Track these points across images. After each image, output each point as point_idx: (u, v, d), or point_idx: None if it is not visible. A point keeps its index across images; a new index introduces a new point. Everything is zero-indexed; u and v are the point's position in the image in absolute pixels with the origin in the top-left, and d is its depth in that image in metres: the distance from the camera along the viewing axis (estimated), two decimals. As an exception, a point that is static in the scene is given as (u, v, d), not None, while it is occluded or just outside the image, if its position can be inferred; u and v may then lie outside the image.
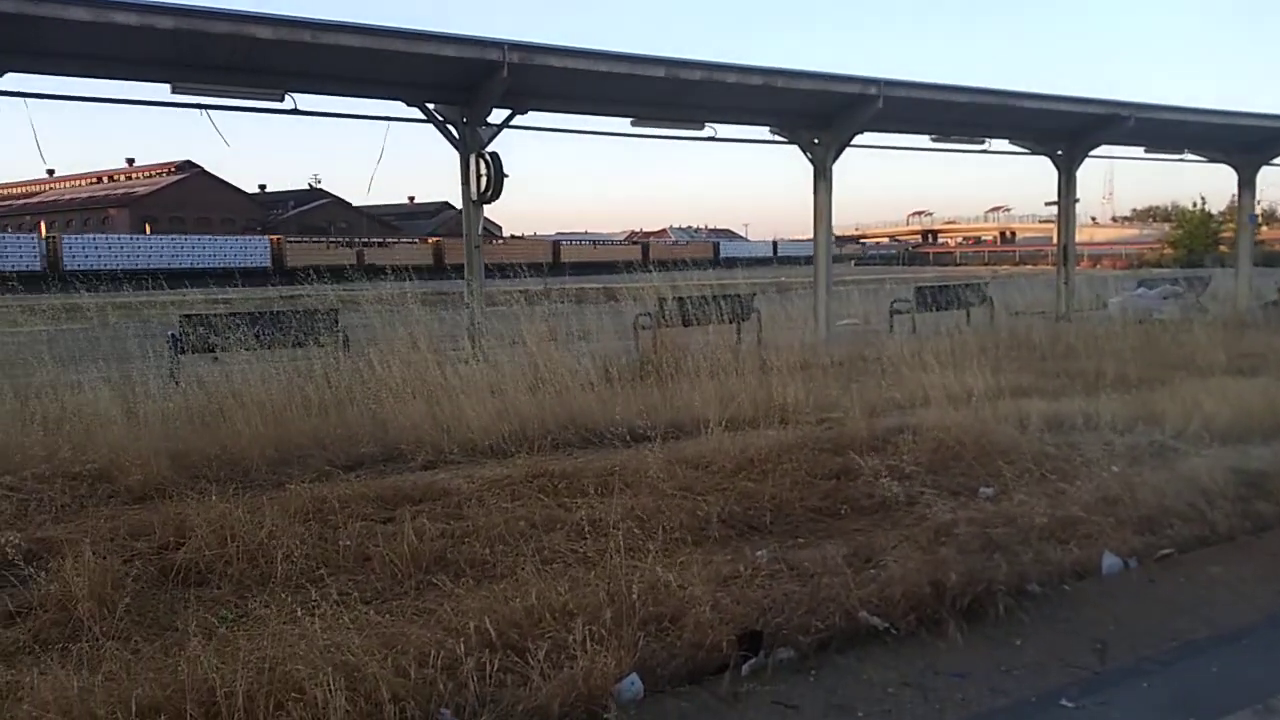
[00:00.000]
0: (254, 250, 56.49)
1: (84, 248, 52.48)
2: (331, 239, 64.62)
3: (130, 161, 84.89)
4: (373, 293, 11.16)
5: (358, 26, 11.68)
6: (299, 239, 62.51)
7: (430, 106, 13.56)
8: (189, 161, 76.99)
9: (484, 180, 13.52)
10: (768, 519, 6.24)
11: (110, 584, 4.68)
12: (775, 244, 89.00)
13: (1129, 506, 6.15)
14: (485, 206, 14.03)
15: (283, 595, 4.72)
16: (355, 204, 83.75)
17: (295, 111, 12.84)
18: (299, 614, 4.13)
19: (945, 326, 16.80)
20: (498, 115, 13.83)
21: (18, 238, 53.33)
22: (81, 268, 44.93)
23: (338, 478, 7.23)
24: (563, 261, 62.49)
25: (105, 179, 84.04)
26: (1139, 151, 21.35)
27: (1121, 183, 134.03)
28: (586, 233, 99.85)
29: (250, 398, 8.35)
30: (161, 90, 11.87)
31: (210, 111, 12.41)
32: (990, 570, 4.99)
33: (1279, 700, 3.97)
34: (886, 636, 4.51)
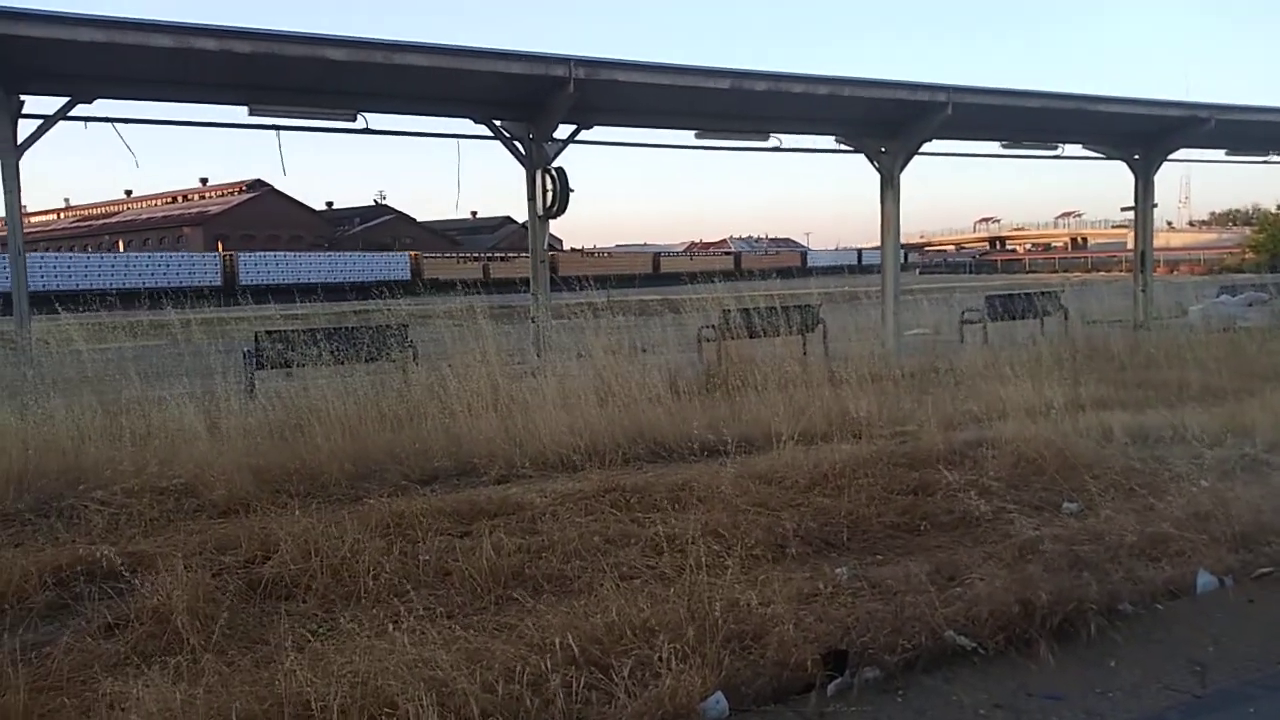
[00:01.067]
0: (397, 265, 61.38)
1: (256, 265, 57.85)
2: (461, 254, 69.28)
3: (204, 181, 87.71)
4: (444, 306, 11.34)
5: (428, 46, 11.91)
6: (434, 255, 67.62)
7: (497, 123, 13.78)
8: (259, 180, 79.20)
9: (550, 195, 13.68)
10: (845, 535, 6.16)
11: (203, 597, 4.80)
12: (860, 252, 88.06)
13: (1222, 523, 5.93)
14: (550, 221, 14.23)
15: (369, 609, 4.82)
16: (419, 219, 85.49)
17: (367, 130, 13.16)
18: (390, 629, 4.20)
19: (1019, 336, 16.46)
20: (563, 131, 14.00)
21: (203, 256, 59.23)
22: (255, 283, 50.09)
23: (414, 492, 7.34)
24: (662, 272, 63.39)
25: (180, 198, 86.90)
26: (1220, 154, 20.68)
27: (1199, 186, 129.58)
28: (646, 244, 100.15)
29: (328, 413, 8.52)
30: (239, 112, 12.30)
31: (280, 134, 12.83)
32: (1080, 589, 4.84)
33: (1397, 730, 3.79)
34: (974, 656, 4.41)
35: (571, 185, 13.64)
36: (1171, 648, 4.56)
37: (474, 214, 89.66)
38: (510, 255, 70.71)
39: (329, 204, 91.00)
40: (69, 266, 52.79)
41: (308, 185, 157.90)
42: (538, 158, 13.74)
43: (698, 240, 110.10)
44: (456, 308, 11.40)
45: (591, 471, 7.77)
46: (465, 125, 13.88)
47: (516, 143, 13.85)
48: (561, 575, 5.37)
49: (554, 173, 13.59)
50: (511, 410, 9.01)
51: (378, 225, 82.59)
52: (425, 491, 7.39)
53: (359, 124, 13.04)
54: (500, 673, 3.95)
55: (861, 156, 16.90)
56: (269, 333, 11.01)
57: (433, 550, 5.76)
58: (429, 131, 14.50)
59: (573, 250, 77.69)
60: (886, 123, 16.21)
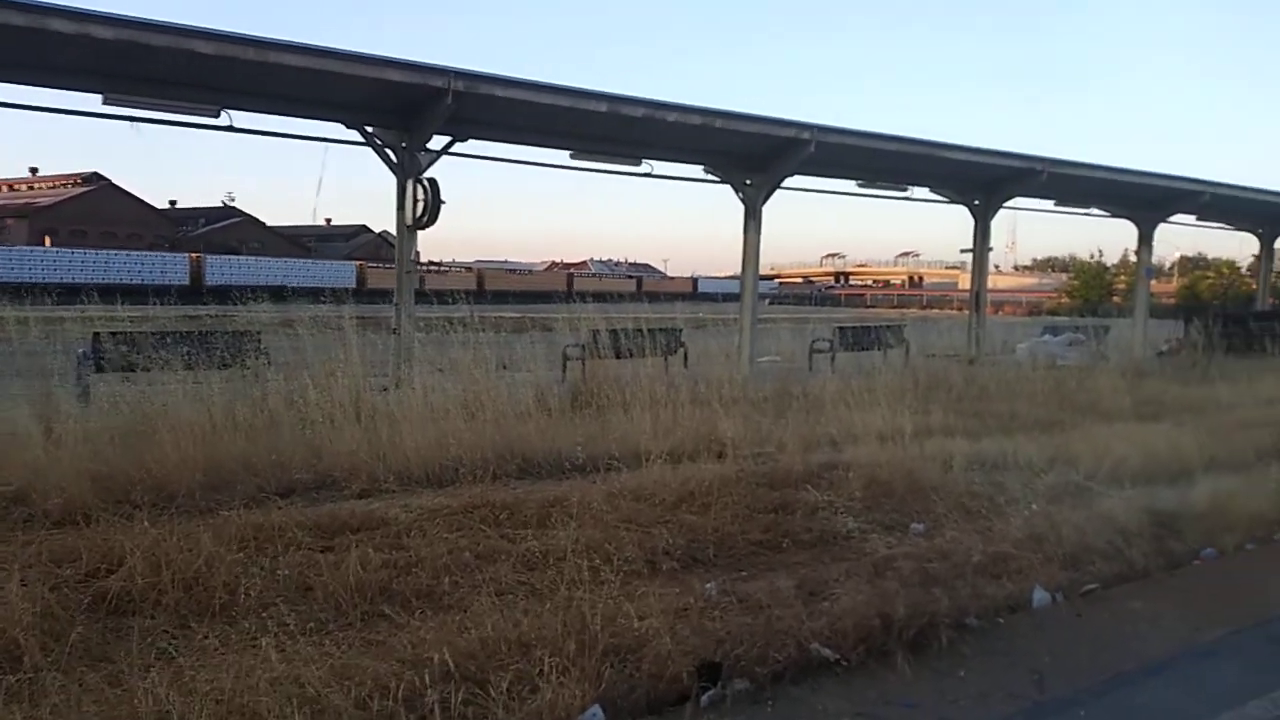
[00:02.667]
0: (345, 274, 65.08)
1: (222, 267, 60.66)
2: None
3: (33, 171, 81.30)
4: (308, 313, 10.93)
5: (301, 46, 11.55)
6: (377, 265, 69.90)
7: (369, 129, 13.48)
8: (96, 173, 74.10)
9: (420, 206, 13.47)
10: (712, 552, 6.31)
11: (40, 611, 4.46)
12: (768, 282, 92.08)
13: (1054, 544, 6.42)
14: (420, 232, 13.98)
15: (227, 625, 4.61)
16: (269, 224, 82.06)
17: (231, 129, 12.61)
18: (261, 644, 4.02)
19: (864, 366, 17.26)
20: (438, 141, 13.84)
21: (174, 257, 61.67)
22: (219, 283, 53.03)
23: (271, 504, 7.02)
24: (575, 290, 67.90)
25: (5, 188, 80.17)
26: (1049, 204, 22.44)
27: (1024, 233, 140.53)
28: (506, 261, 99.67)
29: (177, 420, 8.07)
30: (92, 100, 11.55)
31: (139, 125, 12.16)
32: (932, 604, 5.15)
33: (1205, 729, 4.21)
34: (837, 668, 4.61)
35: (443, 198, 13.49)
36: (1013, 658, 4.91)
37: (328, 221, 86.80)
38: (443, 269, 76.78)
39: (172, 203, 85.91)
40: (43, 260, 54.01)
41: (149, 182, 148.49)
42: (410, 167, 13.51)
43: (559, 260, 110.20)
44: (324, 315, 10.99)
45: (460, 487, 7.66)
46: (336, 129, 13.53)
47: (388, 150, 13.58)
48: (432, 591, 5.28)
49: (426, 183, 13.39)
50: (375, 422, 8.78)
51: (225, 227, 78.62)
52: (283, 504, 7.08)
53: (223, 121, 12.49)
54: (373, 689, 3.87)
55: (728, 187, 17.43)
56: (111, 333, 10.30)
57: (293, 565, 5.56)
58: (297, 133, 14.01)
59: (563, 270, 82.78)
60: (753, 156, 16.79)
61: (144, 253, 61.11)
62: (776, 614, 4.88)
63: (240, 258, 64.61)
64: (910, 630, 4.86)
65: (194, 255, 62.05)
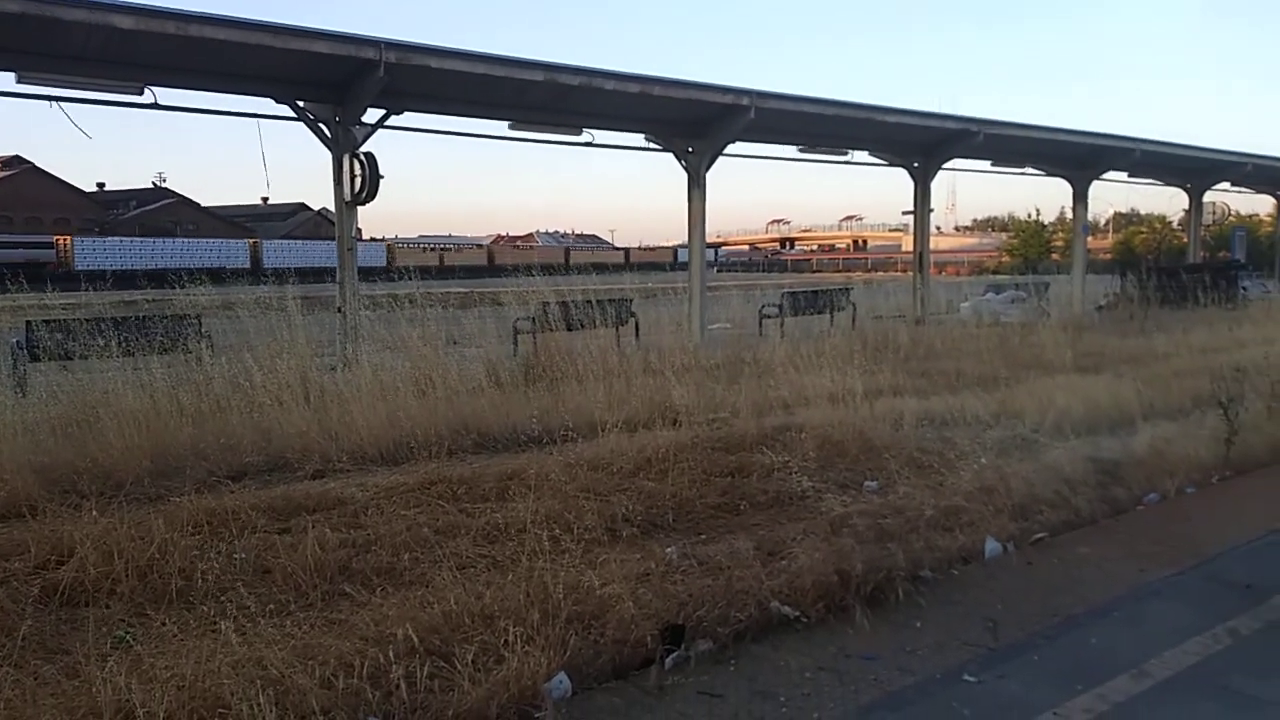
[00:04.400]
0: (376, 254, 70.00)
1: (277, 250, 68.32)
2: (425, 245, 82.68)
3: (-52, 156, 77.96)
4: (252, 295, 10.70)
5: (225, 19, 11.19)
6: (403, 244, 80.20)
7: (301, 104, 13.14)
8: (18, 157, 71.38)
9: (358, 181, 13.19)
10: (671, 517, 6.37)
11: (-10, 607, 4.35)
12: (716, 250, 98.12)
13: (1003, 495, 6.59)
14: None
15: (184, 611, 4.54)
16: (204, 205, 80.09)
17: (155, 106, 12.21)
18: (221, 628, 3.97)
19: (814, 330, 17.46)
20: (372, 115, 13.54)
21: (231, 243, 69.40)
22: (276, 265, 57.43)
23: (223, 489, 6.91)
24: (571, 264, 71.63)
25: (-82, 174, 76.83)
26: (986, 165, 22.76)
27: (963, 195, 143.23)
28: (450, 235, 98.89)
29: (120, 407, 7.87)
30: (5, 79, 11.08)
31: (63, 106, 11.69)
32: (888, 558, 5.26)
33: (1150, 665, 4.37)
34: (798, 624, 4.70)
35: (381, 172, 13.23)
36: (968, 608, 5.04)
37: (264, 200, 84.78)
38: (461, 246, 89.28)
39: (100, 185, 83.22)
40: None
41: (75, 165, 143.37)
42: (345, 142, 13.22)
43: (504, 233, 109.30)
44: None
45: (415, 464, 7.62)
46: (266, 105, 13.15)
47: (322, 125, 13.26)
48: (392, 568, 5.26)
49: (363, 158, 13.11)
50: (325, 403, 8.66)
51: (157, 209, 76.44)
52: (236, 488, 6.97)
53: (146, 98, 12.08)
54: (337, 667, 3.85)
55: (670, 155, 17.37)
56: (45, 321, 9.96)
57: (250, 547, 5.49)
58: (225, 110, 13.58)
59: (510, 244, 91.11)
60: (694, 123, 16.74)
61: (220, 240, 70.00)
62: (736, 575, 4.94)
63: (296, 241, 71.36)
64: (867, 585, 4.96)
65: (252, 241, 69.98)
